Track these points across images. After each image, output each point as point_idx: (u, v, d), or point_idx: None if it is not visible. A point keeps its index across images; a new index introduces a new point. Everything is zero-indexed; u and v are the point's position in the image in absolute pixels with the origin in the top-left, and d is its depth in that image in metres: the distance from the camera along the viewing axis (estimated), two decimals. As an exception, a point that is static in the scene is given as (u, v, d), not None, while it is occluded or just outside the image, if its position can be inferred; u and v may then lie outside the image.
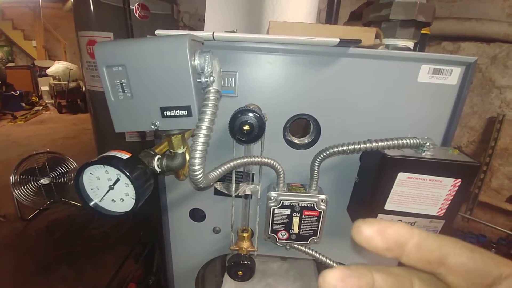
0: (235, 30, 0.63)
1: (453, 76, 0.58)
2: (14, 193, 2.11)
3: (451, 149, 0.58)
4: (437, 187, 0.54)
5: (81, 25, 1.95)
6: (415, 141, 0.49)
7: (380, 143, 0.48)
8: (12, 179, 2.10)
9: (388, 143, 0.48)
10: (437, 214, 0.57)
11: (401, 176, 0.52)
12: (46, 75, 5.81)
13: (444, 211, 0.57)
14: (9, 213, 2.28)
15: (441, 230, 0.60)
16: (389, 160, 0.50)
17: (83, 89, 5.58)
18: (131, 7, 1.68)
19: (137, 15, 1.80)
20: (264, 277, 1.21)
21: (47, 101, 6.05)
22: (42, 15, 6.24)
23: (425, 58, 0.57)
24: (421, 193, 0.54)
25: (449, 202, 0.56)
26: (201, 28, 2.96)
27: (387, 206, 0.55)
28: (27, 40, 6.62)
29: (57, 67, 5.52)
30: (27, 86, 6.06)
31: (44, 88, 6.00)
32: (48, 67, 5.69)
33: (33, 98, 6.00)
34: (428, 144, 0.50)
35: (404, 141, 0.49)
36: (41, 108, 5.82)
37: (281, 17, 0.74)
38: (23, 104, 5.65)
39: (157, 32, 0.50)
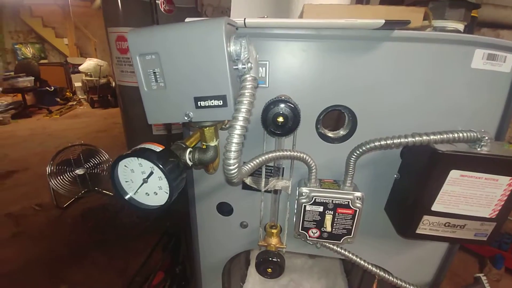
0: (265, 16, 0.60)
1: (507, 63, 0.51)
2: (50, 182, 2.25)
3: (506, 144, 0.51)
4: (492, 187, 0.48)
5: (110, 21, 2.01)
6: (471, 134, 0.44)
7: (432, 137, 0.43)
8: (48, 169, 2.24)
9: (441, 136, 0.43)
10: (489, 216, 0.52)
11: (454, 174, 0.46)
12: (79, 72, 6.13)
13: (497, 212, 0.51)
14: (45, 202, 2.44)
15: (491, 234, 0.54)
16: (440, 156, 0.45)
17: (113, 84, 5.83)
18: (156, 1, 1.70)
19: (162, 9, 1.82)
20: (288, 273, 1.19)
21: (80, 97, 6.40)
22: (72, 13, 6.53)
23: (479, 42, 0.50)
24: (475, 193, 0.48)
25: (503, 202, 0.50)
26: (224, 20, 2.94)
27: (434, 207, 0.50)
28: (58, 38, 6.96)
29: (88, 64, 5.80)
30: (61, 82, 6.42)
31: (78, 84, 6.34)
32: (80, 64, 5.99)
33: (67, 93, 6.36)
34: (486, 138, 0.44)
35: (459, 135, 0.43)
36: (75, 103, 6.16)
37: (311, 2, 0.70)
38: (58, 99, 6.01)
39: (187, 19, 0.48)
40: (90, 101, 5.94)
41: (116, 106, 5.49)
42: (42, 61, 6.80)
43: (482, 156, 0.44)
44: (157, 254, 1.43)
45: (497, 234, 0.54)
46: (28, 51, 6.79)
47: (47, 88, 5.73)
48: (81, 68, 5.87)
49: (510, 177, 0.47)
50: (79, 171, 2.31)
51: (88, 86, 5.81)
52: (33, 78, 5.36)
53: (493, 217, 0.52)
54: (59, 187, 2.27)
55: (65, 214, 2.34)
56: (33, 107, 5.51)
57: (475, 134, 0.44)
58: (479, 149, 0.46)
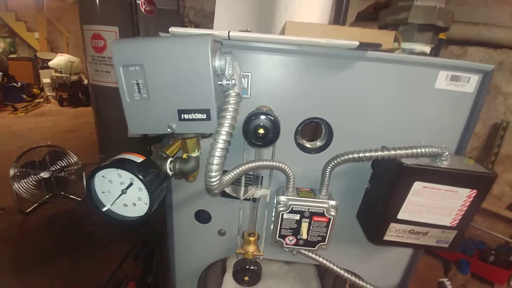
0: (249, 29, 0.62)
1: (471, 83, 0.57)
2: (13, 186, 2.09)
3: (466, 158, 0.56)
4: (453, 197, 0.53)
5: (86, 18, 1.93)
6: (432, 150, 0.48)
7: (398, 152, 0.47)
8: (12, 171, 2.08)
9: (405, 151, 0.47)
10: (450, 225, 0.56)
11: (417, 185, 0.50)
12: (48, 68, 5.78)
13: (457, 221, 0.56)
14: (8, 206, 2.26)
15: (453, 241, 0.59)
16: (405, 169, 0.49)
17: (85, 82, 5.55)
18: (137, 1, 1.66)
19: (143, 10, 1.78)
20: (264, 279, 1.20)
21: (48, 94, 6.02)
22: (45, 7, 6.20)
23: (443, 64, 0.55)
24: (436, 203, 0.53)
25: (463, 212, 0.55)
26: (206, 24, 2.94)
27: (400, 215, 0.54)
28: (29, 32, 6.58)
29: (59, 59, 5.49)
30: (29, 78, 6.02)
31: (46, 80, 5.96)
32: (50, 60, 5.66)
33: (34, 90, 5.96)
34: (446, 153, 0.49)
35: (422, 150, 0.48)
36: (42, 100, 5.79)
37: (293, 16, 0.73)
38: (24, 96, 5.61)
39: (171, 29, 0.48)
40: (59, 99, 5.61)
41: (88, 105, 5.23)
42: (11, 56, 6.37)
43: (441, 170, 0.49)
44: (128, 263, 1.38)
45: (459, 241, 0.59)
46: (-1, 45, 6.34)
47: (13, 84, 5.34)
48: (51, 63, 5.53)
49: (469, 189, 0.52)
50: (44, 174, 2.17)
51: (58, 82, 5.49)
52: (1, 73, 4.98)
53: (454, 225, 0.56)
54: (22, 191, 2.11)
55: (29, 219, 2.19)
56: (-1, 103, 5.12)
57: (435, 150, 0.48)
58: (439, 163, 0.50)
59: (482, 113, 2.25)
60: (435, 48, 0.72)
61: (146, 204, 0.35)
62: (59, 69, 5.51)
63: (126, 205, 0.35)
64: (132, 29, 1.65)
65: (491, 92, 2.20)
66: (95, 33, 1.87)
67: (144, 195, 0.34)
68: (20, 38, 6.61)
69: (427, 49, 0.66)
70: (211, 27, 0.81)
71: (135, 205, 0.35)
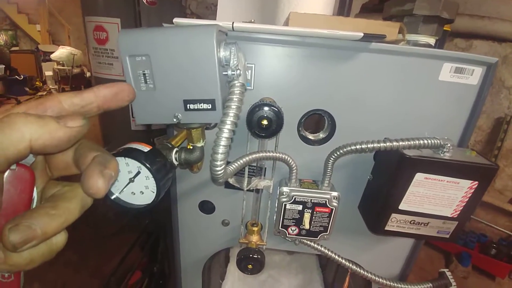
0: (252, 20, 0.62)
1: (474, 76, 0.57)
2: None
3: (469, 150, 0.57)
4: (454, 189, 0.53)
5: (88, 10, 1.92)
6: (435, 141, 0.48)
7: (400, 143, 0.47)
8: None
9: (408, 142, 0.47)
10: (451, 216, 0.57)
11: (419, 176, 0.51)
12: (50, 60, 5.76)
13: (458, 212, 0.57)
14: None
15: (453, 232, 0.60)
16: (407, 160, 0.49)
17: (87, 75, 5.56)
18: (139, -8, 1.65)
19: (145, 1, 1.77)
20: (267, 269, 1.23)
21: (51, 86, 6.02)
22: (47, -2, 6.17)
23: (447, 56, 0.55)
24: (437, 194, 0.53)
25: (464, 204, 0.56)
26: (208, 16, 2.91)
27: (401, 206, 0.55)
28: (31, 24, 6.57)
29: (61, 52, 5.47)
30: (31, 71, 6.02)
31: (48, 73, 5.96)
32: (52, 52, 5.64)
33: (37, 83, 5.97)
34: (448, 145, 0.49)
35: (424, 141, 0.48)
36: (45, 93, 5.79)
37: (297, 7, 0.72)
38: (27, 89, 5.63)
39: (175, 20, 0.48)
40: (62, 92, 5.63)
41: (91, 98, 5.24)
42: (13, 49, 6.39)
43: (443, 161, 0.49)
44: (134, 253, 1.40)
45: (459, 232, 0.60)
46: (1, 38, 6.36)
47: (16, 76, 5.35)
48: (53, 56, 5.52)
49: (471, 181, 0.53)
50: (50, 166, 2.19)
51: (60, 75, 5.49)
52: (4, 66, 4.98)
53: (455, 216, 0.57)
54: (27, 182, 2.14)
55: (34, 211, 2.22)
56: (2, 97, 5.15)
57: (438, 141, 0.48)
58: (442, 154, 0.51)
59: (487, 107, 2.24)
60: (440, 40, 0.72)
61: (153, 192, 0.36)
62: (61, 62, 5.51)
63: (134, 193, 0.36)
64: (134, 21, 1.64)
65: (496, 86, 2.18)
66: (97, 25, 1.87)
67: (151, 183, 0.35)
68: (22, 31, 6.61)
69: (431, 41, 0.66)
70: (213, 19, 0.81)
71: (143, 193, 0.36)
